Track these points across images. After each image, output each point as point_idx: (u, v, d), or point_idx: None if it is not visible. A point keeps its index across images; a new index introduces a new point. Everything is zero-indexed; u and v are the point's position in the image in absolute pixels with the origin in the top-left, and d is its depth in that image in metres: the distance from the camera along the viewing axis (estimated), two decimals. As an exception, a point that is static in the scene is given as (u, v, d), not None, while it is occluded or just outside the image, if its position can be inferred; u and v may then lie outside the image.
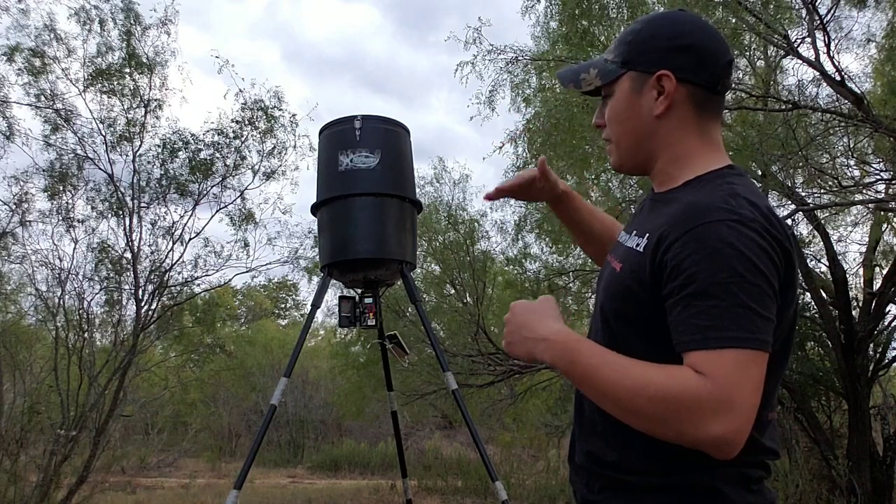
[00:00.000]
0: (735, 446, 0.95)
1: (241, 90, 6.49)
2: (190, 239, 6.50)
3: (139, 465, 11.36)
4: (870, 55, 5.96)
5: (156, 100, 6.37)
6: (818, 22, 4.66)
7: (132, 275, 6.33)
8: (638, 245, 1.11)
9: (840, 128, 5.21)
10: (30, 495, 5.86)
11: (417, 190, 4.18)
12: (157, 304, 6.48)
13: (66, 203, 6.35)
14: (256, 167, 6.59)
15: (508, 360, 8.04)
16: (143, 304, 6.33)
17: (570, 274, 7.60)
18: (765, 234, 0.99)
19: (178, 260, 6.49)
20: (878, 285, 6.46)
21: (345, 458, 12.17)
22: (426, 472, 9.96)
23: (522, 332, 1.12)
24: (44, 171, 6.29)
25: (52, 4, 9.09)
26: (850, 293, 6.47)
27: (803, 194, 5.97)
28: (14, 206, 6.31)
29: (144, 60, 6.30)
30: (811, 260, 6.69)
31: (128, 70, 6.26)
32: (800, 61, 4.85)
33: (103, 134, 6.28)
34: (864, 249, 6.76)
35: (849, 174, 5.70)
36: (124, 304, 6.53)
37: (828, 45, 4.66)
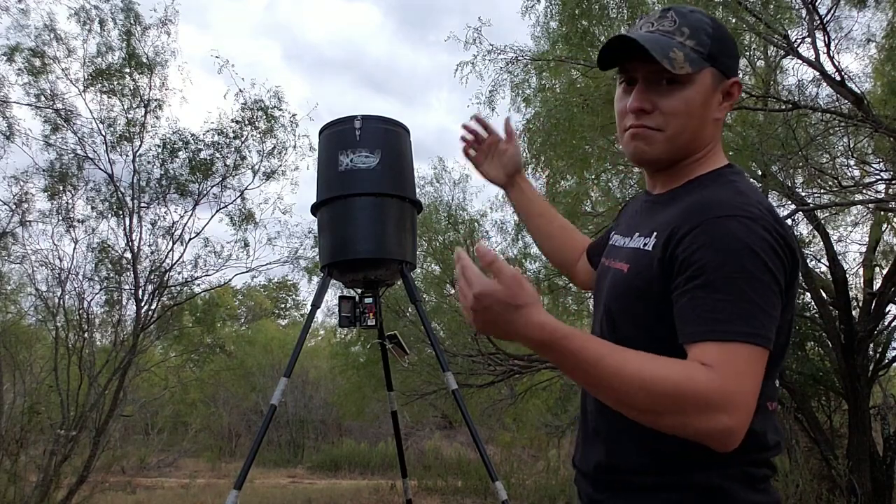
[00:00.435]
0: (736, 440, 0.95)
1: (241, 90, 6.50)
2: (190, 239, 6.50)
3: (139, 465, 11.36)
4: (870, 55, 5.96)
5: (156, 100, 6.38)
6: (818, 22, 4.66)
7: (132, 275, 6.33)
8: (646, 245, 1.11)
9: (840, 128, 5.21)
10: (30, 495, 5.86)
11: (417, 190, 4.18)
12: (157, 304, 6.48)
13: (66, 203, 6.36)
14: (256, 167, 6.60)
15: (508, 360, 8.04)
16: (143, 304, 6.33)
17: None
18: (773, 232, 1.00)
19: (178, 260, 6.50)
20: (878, 285, 6.47)
21: (345, 458, 12.16)
22: (426, 472, 9.96)
23: (488, 322, 1.03)
24: (44, 171, 6.30)
25: (52, 4, 9.09)
26: (850, 293, 6.47)
27: (803, 194, 5.96)
28: (14, 206, 6.32)
29: (144, 60, 6.30)
30: (811, 260, 6.69)
31: (128, 70, 6.26)
32: (800, 61, 4.85)
33: (103, 134, 6.29)
34: (864, 249, 6.76)
35: (849, 174, 5.71)
36: (124, 304, 6.54)
37: (828, 45, 4.66)
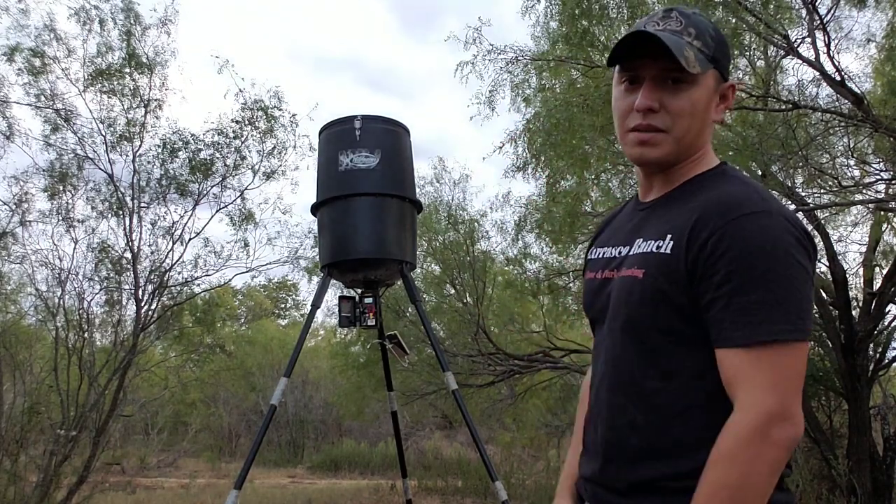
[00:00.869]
0: (799, 438, 0.98)
1: (241, 90, 6.49)
2: (190, 239, 6.49)
3: (139, 465, 11.36)
4: (870, 55, 5.95)
5: (156, 100, 6.37)
6: (818, 22, 4.66)
7: (132, 275, 6.33)
8: (660, 247, 1.09)
9: (840, 128, 5.21)
10: (30, 495, 5.86)
11: (417, 190, 4.18)
12: (157, 304, 6.47)
13: (66, 203, 6.35)
14: (256, 167, 6.59)
15: (508, 361, 8.04)
16: (142, 304, 6.33)
17: (570, 274, 7.60)
18: (793, 224, 1.02)
19: (177, 260, 6.49)
20: (878, 285, 6.46)
21: (345, 458, 12.16)
22: (426, 472, 9.95)
23: None
24: (44, 171, 6.29)
25: (51, 4, 9.09)
26: (850, 293, 6.46)
27: (803, 194, 5.96)
28: (14, 206, 6.31)
29: (144, 60, 6.30)
30: (811, 260, 6.68)
31: (128, 70, 6.25)
32: (800, 61, 4.84)
33: (103, 134, 6.28)
34: (864, 249, 6.76)
35: (849, 174, 5.70)
36: (124, 304, 6.53)
37: (828, 45, 4.66)
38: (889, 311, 6.51)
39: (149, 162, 6.43)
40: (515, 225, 7.82)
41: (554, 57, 5.94)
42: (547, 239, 7.26)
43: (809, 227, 6.51)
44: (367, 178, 3.78)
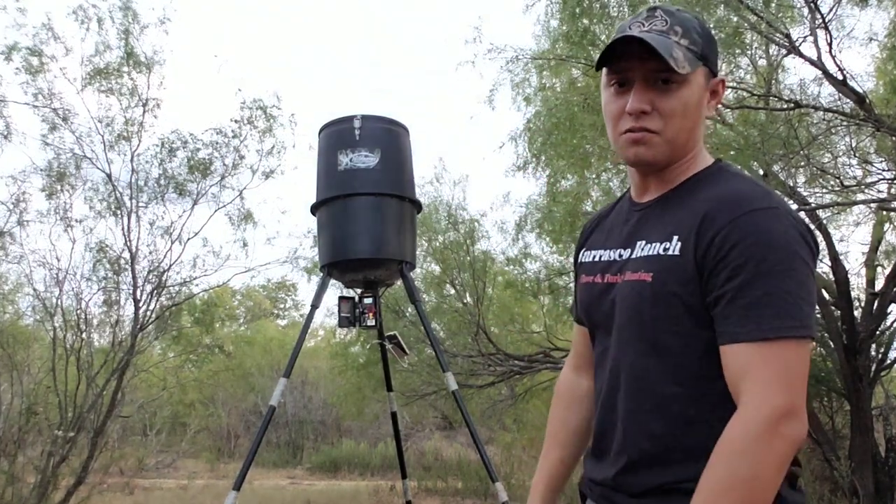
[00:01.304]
0: (804, 435, 0.98)
1: (239, 89, 6.47)
2: (188, 239, 6.46)
3: (137, 466, 11.32)
4: (872, 54, 5.94)
5: (154, 99, 6.34)
6: (820, 20, 4.63)
7: (130, 275, 6.30)
8: (667, 249, 1.08)
9: (842, 127, 5.19)
10: (27, 496, 5.83)
11: (417, 189, 4.15)
12: (155, 305, 6.44)
13: (64, 203, 6.32)
14: (255, 167, 6.56)
15: (509, 361, 8.02)
16: (141, 304, 6.30)
17: (571, 274, 7.56)
18: (797, 220, 1.02)
19: (176, 260, 6.46)
20: (881, 285, 6.44)
21: (344, 458, 12.13)
22: (426, 473, 9.92)
23: None
24: (41, 170, 6.27)
25: (49, 3, 9.05)
26: (853, 293, 6.45)
27: (805, 194, 5.94)
28: (12, 206, 6.28)
29: (143, 59, 6.27)
30: (813, 260, 6.66)
31: (126, 69, 6.22)
32: (802, 60, 4.82)
33: (101, 133, 6.25)
34: (866, 249, 6.74)
35: (851, 174, 5.68)
36: (122, 304, 6.50)
37: (830, 44, 4.64)
38: (891, 311, 6.49)
39: (147, 161, 6.41)
40: (515, 225, 7.81)
41: (554, 56, 5.92)
42: (547, 239, 7.24)
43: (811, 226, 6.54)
44: (367, 178, 3.76)
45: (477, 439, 3.65)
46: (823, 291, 6.46)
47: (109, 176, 6.29)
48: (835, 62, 4.60)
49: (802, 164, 5.35)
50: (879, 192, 5.70)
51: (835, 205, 5.69)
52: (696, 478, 1.03)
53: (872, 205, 5.61)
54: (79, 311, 6.40)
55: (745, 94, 5.31)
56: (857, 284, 6.73)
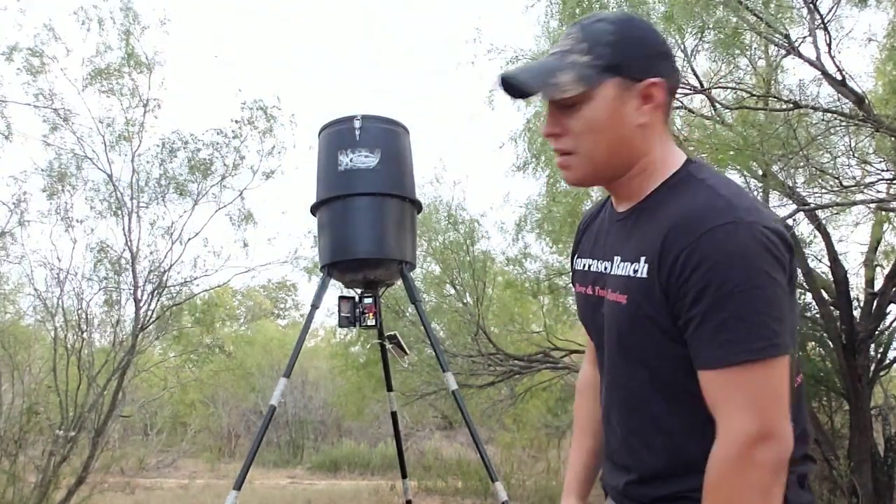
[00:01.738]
0: (788, 454, 0.96)
1: (240, 89, 6.48)
2: (189, 239, 6.47)
3: (138, 465, 11.33)
4: (871, 54, 5.95)
5: (155, 99, 6.35)
6: (819, 21, 4.64)
7: (131, 275, 6.31)
8: (636, 271, 1.07)
9: (841, 127, 5.20)
10: (28, 496, 5.84)
11: (417, 189, 4.16)
12: (156, 305, 6.45)
13: (65, 203, 6.33)
14: (256, 167, 6.57)
15: (508, 361, 8.02)
16: (142, 304, 6.31)
17: (570, 274, 7.57)
18: (761, 230, 0.97)
19: (177, 260, 6.47)
20: (880, 285, 6.45)
21: (344, 458, 12.13)
22: (426, 472, 9.93)
23: None
24: (42, 170, 6.28)
25: (51, 3, 9.06)
26: (852, 293, 6.45)
27: (804, 194, 5.95)
28: (13, 206, 6.29)
29: (143, 60, 6.28)
30: (812, 260, 6.67)
31: (127, 69, 6.24)
32: (801, 60, 4.82)
33: (102, 133, 6.26)
34: (865, 249, 6.74)
35: (850, 174, 5.68)
36: (123, 304, 6.51)
37: (829, 45, 4.64)
38: (890, 311, 6.49)
39: (148, 162, 6.43)
40: (515, 225, 7.82)
41: (554, 56, 5.92)
42: (547, 239, 7.25)
43: (810, 229, 6.54)
44: (367, 178, 3.77)
45: (477, 439, 3.66)
46: (823, 291, 6.47)
47: (110, 176, 6.30)
48: (834, 63, 4.61)
49: (801, 164, 5.36)
50: (878, 192, 5.71)
51: (834, 205, 5.69)
52: (701, 488, 1.03)
53: (871, 205, 5.62)
54: (80, 311, 6.41)
55: (744, 94, 5.32)
56: (857, 284, 6.74)
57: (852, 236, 11.31)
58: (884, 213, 6.01)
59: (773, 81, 5.50)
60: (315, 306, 3.86)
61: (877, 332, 6.37)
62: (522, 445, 10.90)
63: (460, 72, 6.93)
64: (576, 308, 1.36)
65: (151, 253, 6.45)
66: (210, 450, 13.25)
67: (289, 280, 13.95)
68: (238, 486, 3.40)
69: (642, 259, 1.06)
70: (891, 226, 6.57)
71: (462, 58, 6.46)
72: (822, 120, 5.17)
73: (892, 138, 4.93)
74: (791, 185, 5.85)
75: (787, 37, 4.79)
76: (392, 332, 4.26)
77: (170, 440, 12.95)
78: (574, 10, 5.46)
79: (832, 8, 4.86)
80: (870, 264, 6.69)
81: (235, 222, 6.66)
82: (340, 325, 4.07)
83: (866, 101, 4.63)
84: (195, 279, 6.69)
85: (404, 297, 6.26)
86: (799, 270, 6.71)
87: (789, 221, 5.83)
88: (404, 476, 4.48)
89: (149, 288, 6.37)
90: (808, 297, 6.45)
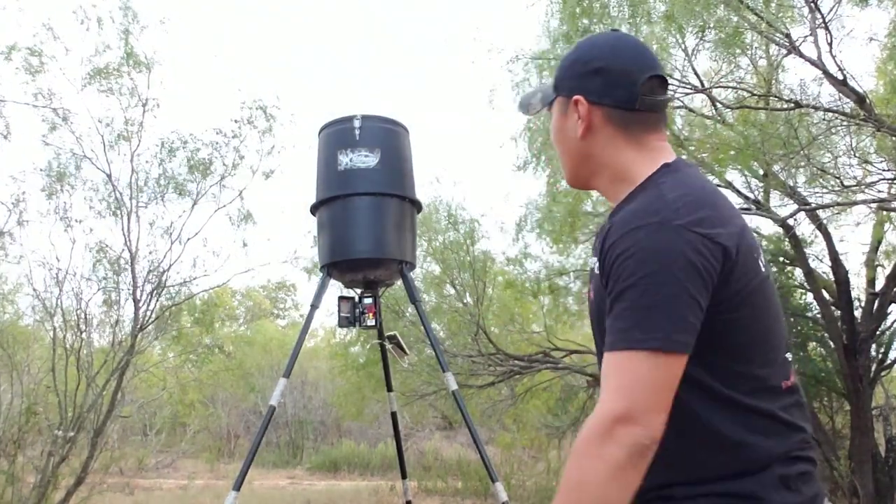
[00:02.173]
0: (651, 441, 0.98)
1: (239, 89, 6.47)
2: (188, 239, 6.46)
3: (137, 466, 11.32)
4: (872, 54, 5.94)
5: (154, 99, 6.34)
6: (820, 20, 4.63)
7: (130, 275, 6.29)
8: (594, 268, 1.14)
9: (842, 127, 5.18)
10: (27, 496, 5.82)
11: (417, 189, 4.15)
12: (155, 305, 6.43)
13: (64, 203, 6.31)
14: (255, 167, 6.56)
15: (509, 361, 8.01)
16: (141, 304, 6.29)
17: (571, 274, 7.57)
18: (682, 231, 1.01)
19: (176, 260, 6.45)
20: (881, 285, 6.44)
21: (344, 459, 12.13)
22: (426, 473, 9.93)
23: None
24: (41, 170, 6.26)
25: (50, 3, 9.05)
26: (853, 293, 6.45)
27: (805, 194, 5.94)
28: (11, 206, 6.28)
29: (143, 59, 6.27)
30: (813, 260, 6.67)
31: (126, 69, 6.22)
32: (802, 60, 4.82)
33: (101, 133, 6.25)
34: (866, 249, 6.73)
35: (851, 174, 5.67)
36: (122, 304, 6.49)
37: (830, 44, 4.63)
38: (891, 311, 6.50)
39: (147, 161, 6.41)
40: (516, 225, 7.81)
41: (554, 56, 5.92)
42: (547, 239, 7.24)
43: (811, 228, 6.52)
44: (367, 178, 3.76)
45: (477, 439, 3.65)
46: (824, 292, 6.46)
47: (109, 176, 6.28)
48: (835, 62, 4.60)
49: (802, 164, 5.35)
50: (880, 192, 5.69)
51: (835, 205, 5.68)
52: (670, 484, 1.08)
53: (873, 205, 5.61)
54: (79, 311, 6.39)
55: (745, 94, 5.31)
56: (858, 285, 6.73)
57: (853, 236, 11.31)
58: (885, 212, 6.00)
59: (774, 81, 5.49)
60: (315, 306, 3.85)
61: (878, 333, 6.36)
62: (523, 446, 10.90)
63: (460, 72, 6.93)
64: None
65: (150, 253, 6.44)
66: (209, 450, 13.24)
67: (288, 280, 13.94)
68: (237, 487, 3.39)
69: (596, 257, 1.13)
70: (892, 226, 6.56)
71: (462, 58, 6.45)
72: (824, 119, 5.16)
73: (894, 138, 4.92)
74: (792, 184, 5.84)
75: (788, 36, 4.78)
76: (392, 332, 4.24)
77: (169, 440, 12.94)
78: (574, 10, 5.45)
79: (833, 7, 4.85)
80: (871, 264, 6.68)
81: (235, 222, 6.64)
82: (340, 326, 4.05)
83: (867, 101, 4.62)
84: (194, 279, 6.67)
85: (404, 297, 6.24)
86: (799, 270, 6.70)
87: (790, 221, 5.82)
88: (404, 476, 4.47)
89: (148, 288, 6.36)
90: (809, 297, 6.44)
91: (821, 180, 5.62)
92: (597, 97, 1.16)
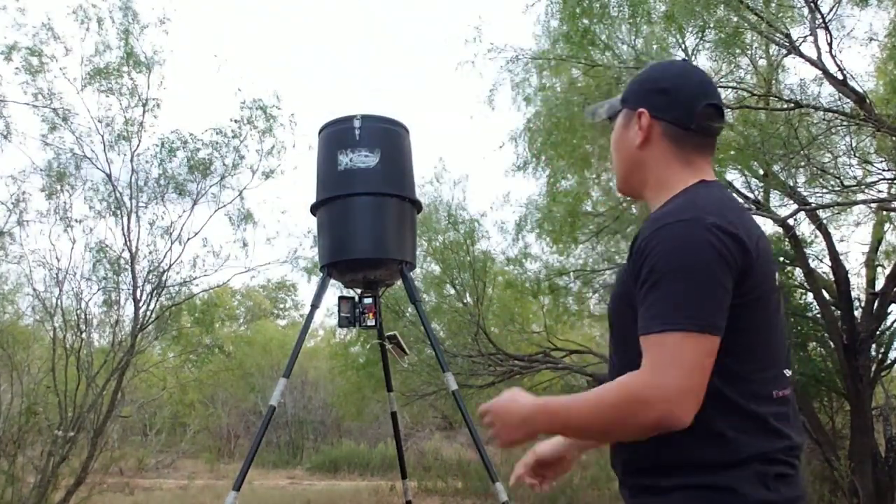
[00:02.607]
0: (680, 422, 1.07)
1: (239, 89, 6.46)
2: (188, 239, 6.45)
3: (137, 466, 11.32)
4: (872, 54, 5.92)
5: (154, 99, 6.33)
6: (820, 20, 4.63)
7: (130, 275, 6.29)
8: (626, 261, 1.25)
9: (842, 127, 5.18)
10: (27, 496, 5.82)
11: (417, 189, 4.15)
12: (155, 305, 6.43)
13: (64, 203, 6.31)
14: (255, 167, 6.55)
15: (509, 361, 8.01)
16: (141, 304, 6.29)
17: (571, 274, 7.57)
18: (711, 229, 1.11)
19: (176, 260, 6.45)
20: (881, 285, 6.43)
21: (344, 459, 12.12)
22: (426, 473, 9.92)
23: (506, 424, 1.29)
24: (41, 170, 6.26)
25: (50, 2, 9.04)
26: (853, 293, 6.44)
27: (805, 194, 5.94)
28: (11, 206, 6.28)
29: (143, 59, 6.26)
30: (813, 260, 6.67)
31: (126, 69, 6.21)
32: (802, 60, 4.82)
33: (101, 133, 6.24)
34: (866, 249, 6.73)
35: (851, 174, 5.67)
36: (122, 304, 6.49)
37: (830, 44, 4.63)
38: (891, 311, 6.49)
39: (147, 161, 6.40)
40: (516, 225, 7.80)
41: (554, 56, 5.92)
42: (547, 239, 7.24)
43: (811, 228, 6.52)
44: (367, 178, 3.75)
45: (477, 439, 3.65)
46: (824, 291, 6.46)
47: (109, 176, 6.28)
48: (835, 62, 4.60)
49: (803, 163, 5.35)
50: (880, 192, 5.69)
51: (835, 205, 5.68)
52: (654, 467, 1.17)
53: (872, 205, 5.61)
54: (79, 312, 6.39)
55: (745, 94, 5.31)
56: (858, 284, 6.73)
57: (853, 236, 11.29)
58: (885, 212, 6.00)
59: (774, 81, 5.49)
60: (315, 306, 3.85)
61: (878, 333, 6.36)
62: (523, 446, 10.91)
63: (460, 72, 6.91)
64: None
65: (151, 253, 6.44)
66: (209, 450, 13.23)
67: (288, 280, 13.89)
68: (237, 487, 3.39)
69: (629, 254, 1.25)
70: (892, 226, 6.56)
71: (462, 57, 6.43)
72: (824, 119, 5.15)
73: (894, 138, 4.92)
74: (792, 184, 5.84)
75: (788, 36, 4.78)
76: (392, 332, 4.24)
77: (169, 441, 12.93)
78: (574, 10, 5.45)
79: (833, 7, 4.85)
80: (871, 264, 6.68)
81: (235, 222, 6.64)
82: (340, 326, 4.05)
83: (867, 101, 4.63)
84: (194, 279, 6.67)
85: (404, 297, 6.24)
86: (799, 270, 6.70)
87: (790, 221, 5.82)
88: (404, 476, 4.47)
89: (148, 288, 6.35)
90: (810, 297, 6.44)
91: (821, 180, 5.62)
92: (659, 112, 1.28)
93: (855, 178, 5.62)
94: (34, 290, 6.59)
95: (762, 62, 5.88)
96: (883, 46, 5.64)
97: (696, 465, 1.13)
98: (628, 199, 6.81)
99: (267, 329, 16.35)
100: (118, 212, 6.31)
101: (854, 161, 5.62)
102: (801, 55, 4.79)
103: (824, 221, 6.19)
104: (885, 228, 6.54)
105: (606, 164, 6.17)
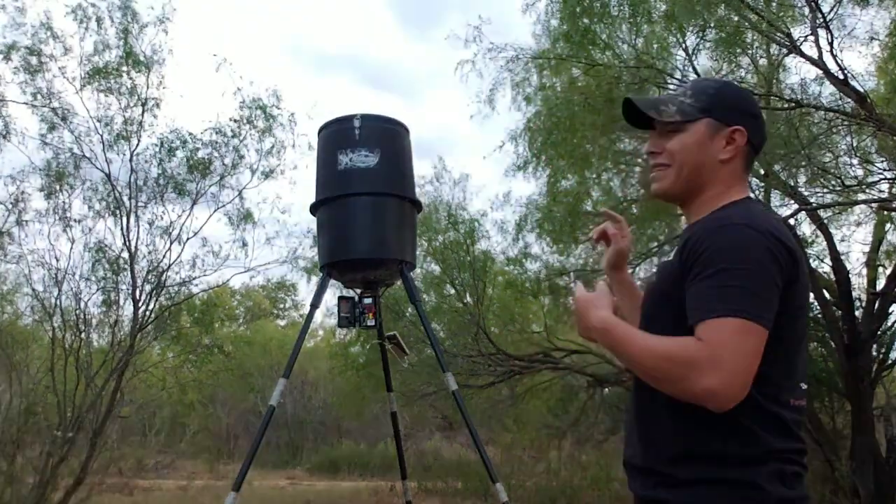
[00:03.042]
0: (725, 400, 1.14)
1: (239, 88, 6.44)
2: (188, 239, 6.44)
3: (137, 466, 11.31)
4: (873, 53, 5.91)
5: (153, 98, 6.32)
6: (821, 20, 4.62)
7: (129, 275, 6.28)
8: (671, 256, 1.34)
9: (843, 126, 5.18)
10: (27, 497, 5.82)
11: (417, 189, 4.14)
12: (154, 305, 6.42)
13: (63, 202, 6.29)
14: (255, 166, 6.54)
15: (509, 361, 8.00)
16: (140, 304, 6.28)
17: (571, 274, 7.55)
18: (768, 236, 1.20)
19: (175, 260, 6.44)
20: (882, 285, 6.42)
21: (344, 459, 12.12)
22: (426, 473, 9.91)
23: (581, 321, 1.36)
24: (40, 170, 6.25)
25: (48, 2, 9.05)
26: (854, 293, 6.43)
27: (806, 194, 5.92)
28: (10, 206, 6.26)
29: (142, 59, 6.25)
30: (814, 260, 6.65)
31: (125, 68, 6.20)
32: (802, 59, 4.81)
33: (100, 133, 6.23)
34: (867, 249, 6.72)
35: (852, 173, 5.66)
36: (121, 304, 6.47)
37: (830, 44, 4.63)
38: (892, 311, 6.48)
39: (146, 161, 6.39)
40: (516, 225, 7.79)
41: (555, 55, 5.91)
42: (548, 238, 7.22)
43: (812, 228, 6.51)
44: (367, 178, 3.74)
45: (477, 440, 3.64)
46: (825, 292, 6.44)
47: (108, 175, 6.27)
48: (836, 61, 4.60)
49: (803, 163, 5.34)
50: (880, 191, 5.69)
51: (836, 204, 5.67)
52: (675, 458, 1.22)
53: (873, 204, 5.60)
54: (78, 312, 6.37)
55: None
56: (859, 284, 6.72)
57: (854, 236, 11.27)
58: (886, 212, 5.99)
59: (774, 80, 5.48)
60: (315, 306, 3.84)
61: (879, 333, 6.35)
62: (523, 446, 10.89)
63: (460, 71, 6.90)
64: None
65: (150, 253, 6.42)
66: (209, 451, 13.23)
67: (288, 280, 13.85)
68: (237, 487, 3.38)
69: (676, 250, 1.32)
70: (893, 225, 6.55)
71: (462, 57, 6.43)
72: (824, 119, 5.15)
73: (895, 137, 4.91)
74: (793, 184, 5.83)
75: (788, 35, 4.78)
76: (392, 332, 4.23)
77: (168, 441, 12.93)
78: (574, 9, 5.44)
79: (834, 7, 4.84)
80: (872, 264, 6.67)
81: (234, 222, 6.63)
82: (340, 326, 4.04)
83: (868, 100, 4.62)
84: (194, 279, 6.66)
85: (404, 297, 6.23)
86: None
87: (791, 221, 5.81)
88: (404, 477, 4.46)
89: (147, 288, 6.34)
90: (810, 297, 6.42)
91: (821, 180, 5.61)
92: (751, 135, 1.37)
93: (856, 177, 5.61)
94: (33, 290, 6.58)
95: (763, 62, 5.87)
96: (884, 46, 5.63)
97: (717, 457, 1.18)
98: (629, 199, 6.80)
99: (267, 329, 16.33)
100: (117, 211, 6.30)
101: (855, 161, 5.61)
102: (802, 55, 4.78)
103: (825, 221, 6.18)
104: (886, 228, 6.53)
105: (606, 163, 6.16)
